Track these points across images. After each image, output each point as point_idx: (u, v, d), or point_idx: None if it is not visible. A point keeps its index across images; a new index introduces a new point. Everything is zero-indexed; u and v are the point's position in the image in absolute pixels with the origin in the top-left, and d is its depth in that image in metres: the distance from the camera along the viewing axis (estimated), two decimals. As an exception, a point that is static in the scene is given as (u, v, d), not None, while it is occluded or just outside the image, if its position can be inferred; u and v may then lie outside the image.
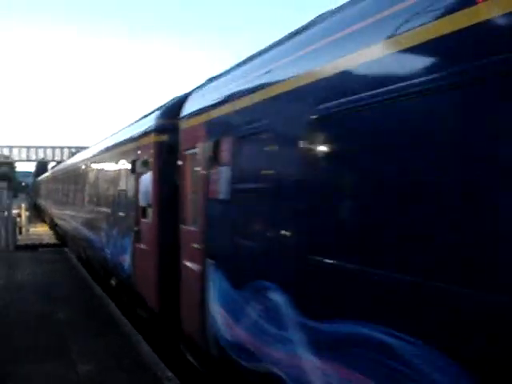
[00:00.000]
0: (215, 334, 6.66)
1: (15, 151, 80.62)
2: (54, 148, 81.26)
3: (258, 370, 5.56)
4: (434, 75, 3.35)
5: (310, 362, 4.51)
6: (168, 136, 9.32)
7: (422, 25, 3.43)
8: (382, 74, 3.90)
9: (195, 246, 7.49)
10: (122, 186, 12.02)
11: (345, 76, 4.28)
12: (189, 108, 8.30)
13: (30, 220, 35.97)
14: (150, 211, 9.87)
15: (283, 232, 5.16)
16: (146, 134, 10.40)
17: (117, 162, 12.89)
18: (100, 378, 7.80)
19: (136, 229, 10.51)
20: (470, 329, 3.04)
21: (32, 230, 34.20)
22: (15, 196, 28.73)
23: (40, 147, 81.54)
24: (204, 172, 7.24)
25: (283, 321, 4.97)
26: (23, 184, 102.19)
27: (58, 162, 61.01)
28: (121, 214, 11.99)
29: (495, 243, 2.95)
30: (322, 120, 4.50)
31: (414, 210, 3.55)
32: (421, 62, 3.59)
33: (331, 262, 4.33)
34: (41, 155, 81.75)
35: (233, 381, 6.45)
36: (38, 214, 51.09)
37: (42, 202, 47.17)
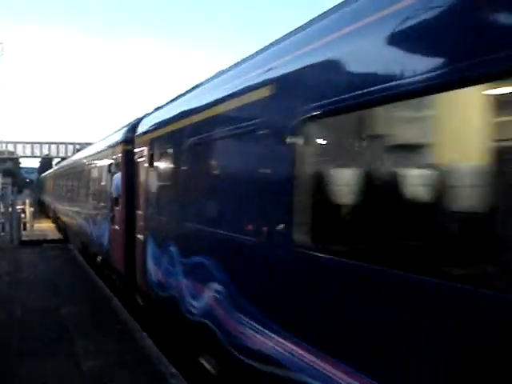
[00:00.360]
0: (150, 280, 10.05)
1: (19, 147, 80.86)
2: (58, 144, 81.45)
3: (166, 296, 8.94)
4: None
5: (184, 281, 7.95)
6: (131, 146, 12.44)
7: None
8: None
9: (141, 223, 11.08)
10: (103, 182, 15.44)
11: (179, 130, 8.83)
12: (140, 129, 11.91)
13: (34, 216, 36.06)
14: (120, 201, 13.10)
15: (173, 210, 8.84)
16: (117, 143, 14.00)
17: (100, 164, 16.58)
18: (103, 374, 7.84)
19: (111, 215, 13.88)
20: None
21: (36, 225, 34.27)
22: (20, 192, 28.77)
23: (44, 143, 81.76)
24: (144, 173, 10.87)
25: (174, 262, 8.42)
26: (27, 180, 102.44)
27: (63, 158, 61.18)
28: (102, 204, 15.43)
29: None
30: (188, 148, 8.14)
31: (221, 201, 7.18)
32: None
33: (191, 224, 7.91)
34: (45, 151, 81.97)
35: (159, 308, 9.75)
36: (42, 209, 51.22)
37: (46, 198, 47.88)
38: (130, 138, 12.66)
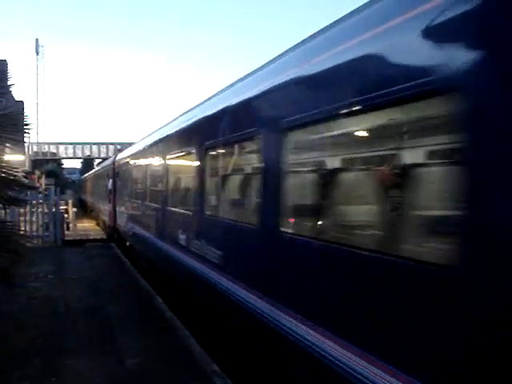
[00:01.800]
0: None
1: (62, 148, 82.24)
2: (99, 145, 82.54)
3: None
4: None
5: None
6: (117, 166, 23.97)
7: None
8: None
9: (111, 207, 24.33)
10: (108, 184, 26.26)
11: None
12: (117, 157, 25.19)
13: (76, 216, 36.63)
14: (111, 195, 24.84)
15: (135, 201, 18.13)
16: (111, 163, 26.96)
17: (106, 174, 28.78)
18: (148, 373, 7.87)
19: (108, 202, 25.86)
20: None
21: (79, 225, 34.83)
22: (62, 192, 29.30)
23: (86, 144, 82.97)
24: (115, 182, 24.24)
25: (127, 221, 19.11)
26: (70, 180, 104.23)
27: (104, 159, 62.01)
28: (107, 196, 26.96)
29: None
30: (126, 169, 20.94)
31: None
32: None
33: (155, 205, 14.05)
34: (86, 152, 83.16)
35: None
36: (84, 209, 52.05)
37: (88, 198, 49.22)
38: (116, 162, 24.77)
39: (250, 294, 6.73)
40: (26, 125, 10.23)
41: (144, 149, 16.42)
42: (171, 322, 10.58)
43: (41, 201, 25.14)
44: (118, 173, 23.09)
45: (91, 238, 27.91)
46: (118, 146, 70.49)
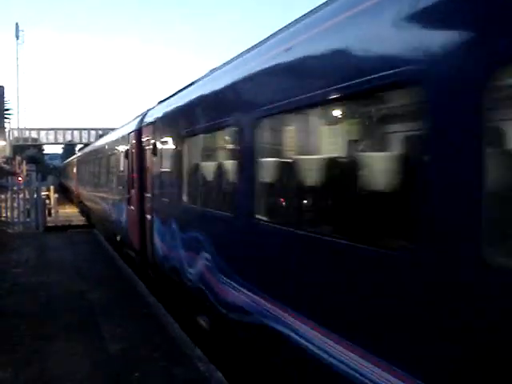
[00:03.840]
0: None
1: (43, 134, 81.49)
2: (80, 130, 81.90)
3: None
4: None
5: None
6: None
7: None
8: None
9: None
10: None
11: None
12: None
13: (58, 202, 36.39)
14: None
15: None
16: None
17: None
18: (131, 357, 7.91)
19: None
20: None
21: (61, 211, 34.61)
22: (44, 178, 29.08)
23: (67, 129, 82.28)
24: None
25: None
26: (51, 166, 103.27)
27: (85, 144, 61.51)
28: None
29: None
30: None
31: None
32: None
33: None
34: (68, 137, 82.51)
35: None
36: (66, 195, 51.69)
37: (69, 183, 48.84)
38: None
39: (229, 276, 7.18)
40: (7, 110, 10.17)
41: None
42: (154, 307, 10.61)
43: (22, 187, 24.96)
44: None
45: (73, 224, 27.77)
46: (100, 132, 70.01)
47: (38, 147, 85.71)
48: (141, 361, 7.76)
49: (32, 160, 63.67)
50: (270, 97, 5.91)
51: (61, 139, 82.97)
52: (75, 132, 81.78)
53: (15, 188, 24.33)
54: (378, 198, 4.47)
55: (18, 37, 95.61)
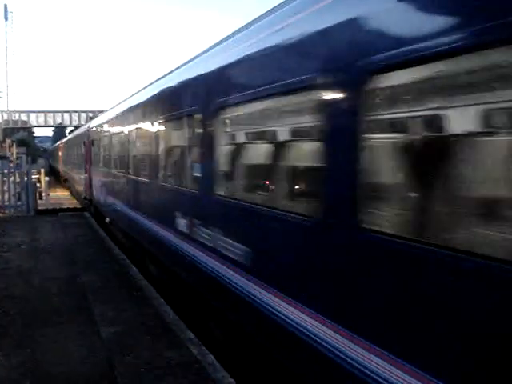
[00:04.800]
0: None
1: (33, 117, 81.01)
2: (70, 112, 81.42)
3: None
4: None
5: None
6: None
7: None
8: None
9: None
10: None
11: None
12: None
13: (49, 185, 36.27)
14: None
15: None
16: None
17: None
18: (123, 341, 7.92)
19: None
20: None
21: (52, 194, 34.49)
22: (34, 161, 28.93)
23: (57, 112, 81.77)
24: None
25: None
26: (42, 149, 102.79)
27: (76, 127, 61.25)
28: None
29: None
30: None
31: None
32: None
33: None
34: (58, 120, 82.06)
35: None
36: (56, 178, 51.52)
37: (56, 165, 50.00)
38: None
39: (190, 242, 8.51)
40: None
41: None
42: (146, 290, 10.61)
43: (12, 170, 24.82)
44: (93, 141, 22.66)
45: (64, 207, 27.70)
46: (90, 114, 69.64)
47: (28, 130, 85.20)
48: (133, 344, 7.78)
49: (22, 143, 63.33)
50: (228, 88, 7.01)
51: (51, 122, 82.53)
52: (65, 115, 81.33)
53: (5, 171, 24.18)
54: (301, 181, 5.99)
55: (6, 18, 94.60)
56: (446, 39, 3.39)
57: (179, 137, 9.91)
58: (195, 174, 8.34)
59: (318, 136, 4.89)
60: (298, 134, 6.22)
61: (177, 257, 9.29)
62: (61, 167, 48.93)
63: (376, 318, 4.11)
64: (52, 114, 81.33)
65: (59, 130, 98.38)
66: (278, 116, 6.54)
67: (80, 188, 28.35)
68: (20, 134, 76.43)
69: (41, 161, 57.47)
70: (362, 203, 4.22)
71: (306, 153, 5.63)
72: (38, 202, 27.03)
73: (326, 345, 4.67)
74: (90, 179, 22.77)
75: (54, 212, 24.87)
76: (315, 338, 4.83)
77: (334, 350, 4.55)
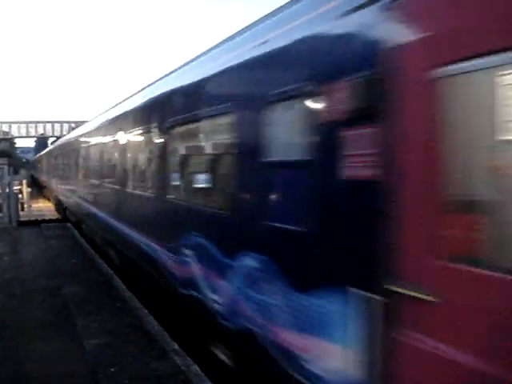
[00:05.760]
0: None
1: (14, 127, 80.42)
2: (53, 123, 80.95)
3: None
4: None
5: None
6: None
7: None
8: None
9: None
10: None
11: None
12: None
13: (31, 196, 35.97)
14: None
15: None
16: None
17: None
18: (107, 352, 7.86)
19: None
20: None
21: (34, 205, 34.22)
22: (16, 172, 28.87)
23: (39, 122, 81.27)
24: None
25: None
26: (24, 160, 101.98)
27: (58, 137, 60.90)
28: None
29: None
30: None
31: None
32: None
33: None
34: (40, 131, 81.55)
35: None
36: (38, 189, 51.13)
37: (37, 175, 50.55)
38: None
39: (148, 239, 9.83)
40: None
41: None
42: (130, 301, 10.56)
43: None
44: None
45: (46, 218, 27.48)
46: (73, 125, 69.31)
47: (10, 141, 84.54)
48: (117, 355, 7.72)
49: (3, 154, 62.83)
50: (176, 110, 8.40)
51: (33, 132, 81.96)
52: (47, 125, 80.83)
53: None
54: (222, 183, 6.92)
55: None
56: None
57: (141, 149, 10.97)
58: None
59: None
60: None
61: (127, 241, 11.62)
62: (43, 178, 48.95)
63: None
64: (34, 125, 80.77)
65: (42, 141, 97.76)
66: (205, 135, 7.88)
67: (59, 196, 30.58)
68: (1, 145, 75.86)
69: (23, 172, 57.12)
70: None
71: None
72: (20, 213, 26.81)
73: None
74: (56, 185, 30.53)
75: (36, 223, 24.67)
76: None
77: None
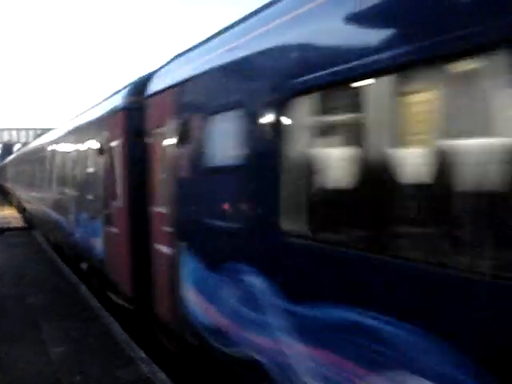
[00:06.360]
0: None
1: (-21, 134, 79.08)
2: (18, 130, 79.88)
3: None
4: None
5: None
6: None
7: None
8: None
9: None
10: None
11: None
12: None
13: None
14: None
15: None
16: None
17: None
18: (73, 360, 7.80)
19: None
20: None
21: (-2, 213, 33.64)
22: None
23: (4, 129, 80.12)
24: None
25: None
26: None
27: (24, 144, 60.11)
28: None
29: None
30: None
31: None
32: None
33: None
34: (6, 137, 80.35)
35: None
36: (3, 196, 50.33)
37: (7, 184, 48.87)
38: None
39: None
40: None
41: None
42: (96, 310, 10.48)
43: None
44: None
45: (12, 226, 27.00)
46: (39, 131, 68.48)
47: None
48: (83, 364, 7.66)
49: (-33, 160, 61.69)
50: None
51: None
52: (13, 131, 79.72)
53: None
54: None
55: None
56: None
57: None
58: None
59: None
60: None
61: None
62: (8, 185, 48.14)
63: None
64: (-1, 131, 79.68)
65: (7, 147, 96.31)
66: None
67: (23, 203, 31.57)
68: (-35, 152, 74.52)
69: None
70: None
71: None
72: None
73: None
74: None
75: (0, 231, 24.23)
76: None
77: None
